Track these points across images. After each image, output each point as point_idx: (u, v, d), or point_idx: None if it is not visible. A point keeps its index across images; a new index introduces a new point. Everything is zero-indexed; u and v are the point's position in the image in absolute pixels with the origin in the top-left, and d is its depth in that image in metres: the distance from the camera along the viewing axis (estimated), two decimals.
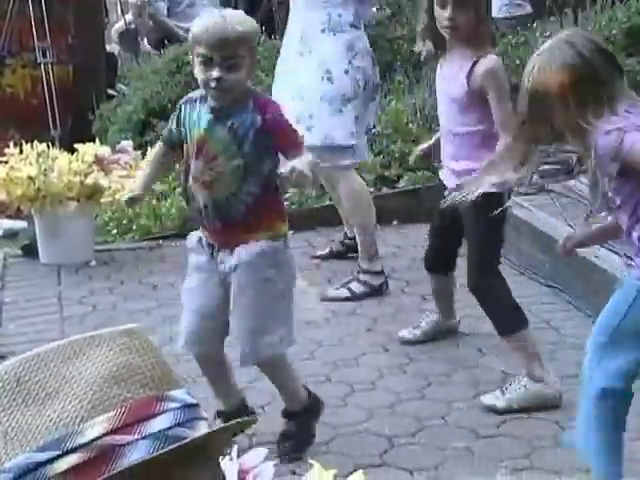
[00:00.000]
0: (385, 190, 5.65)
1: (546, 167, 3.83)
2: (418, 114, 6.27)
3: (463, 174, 3.44)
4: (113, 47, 9.06)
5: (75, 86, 6.96)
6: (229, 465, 1.90)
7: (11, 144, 5.19)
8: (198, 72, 2.97)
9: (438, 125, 6.06)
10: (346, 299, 4.43)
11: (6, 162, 5.08)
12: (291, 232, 5.52)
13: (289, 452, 3.11)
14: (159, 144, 3.31)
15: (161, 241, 5.42)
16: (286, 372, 3.21)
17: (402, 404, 3.49)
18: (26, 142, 5.17)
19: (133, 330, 1.17)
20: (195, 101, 3.08)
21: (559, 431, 3.27)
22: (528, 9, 8.21)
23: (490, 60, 3.43)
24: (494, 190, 3.23)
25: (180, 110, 3.12)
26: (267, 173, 3.02)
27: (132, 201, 3.26)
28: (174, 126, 3.13)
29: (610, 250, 4.41)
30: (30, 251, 5.23)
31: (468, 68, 3.39)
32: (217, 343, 3.22)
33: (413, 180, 5.70)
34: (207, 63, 2.93)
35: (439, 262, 3.88)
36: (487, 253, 3.57)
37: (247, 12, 10.80)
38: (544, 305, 4.24)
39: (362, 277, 4.48)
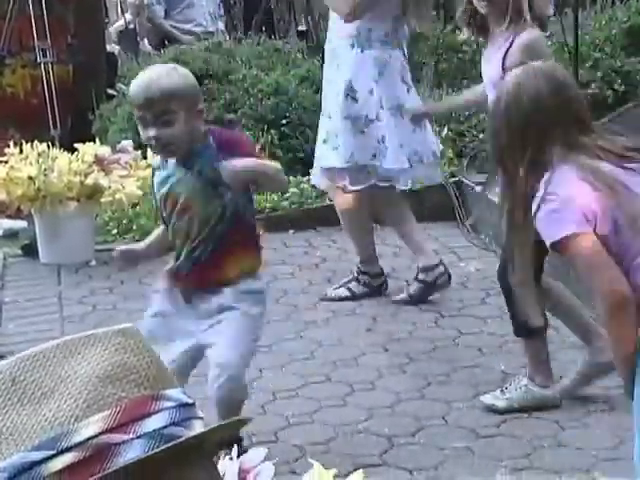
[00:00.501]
0: None
1: None
2: None
3: None
4: (113, 47, 9.06)
5: (75, 86, 6.95)
6: (229, 465, 1.91)
7: (11, 144, 5.20)
8: (140, 132, 2.99)
9: (439, 125, 6.11)
10: (345, 299, 4.44)
11: (6, 162, 5.08)
12: (291, 232, 5.57)
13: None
14: (161, 226, 3.21)
15: None
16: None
17: (402, 404, 3.49)
18: (26, 142, 5.17)
19: (128, 329, 1.17)
20: (159, 166, 3.08)
21: (559, 431, 3.27)
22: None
23: (529, 33, 3.25)
24: None
25: (152, 180, 3.13)
26: (242, 209, 3.01)
27: (125, 256, 3.18)
28: (154, 203, 3.19)
29: None
30: (30, 251, 5.23)
31: (507, 46, 3.24)
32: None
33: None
34: (143, 123, 2.93)
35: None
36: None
37: (246, 12, 10.72)
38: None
39: (361, 278, 4.48)
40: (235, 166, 2.92)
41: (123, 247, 3.26)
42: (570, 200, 2.21)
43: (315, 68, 6.81)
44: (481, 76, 3.62)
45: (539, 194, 2.24)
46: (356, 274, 4.49)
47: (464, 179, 5.72)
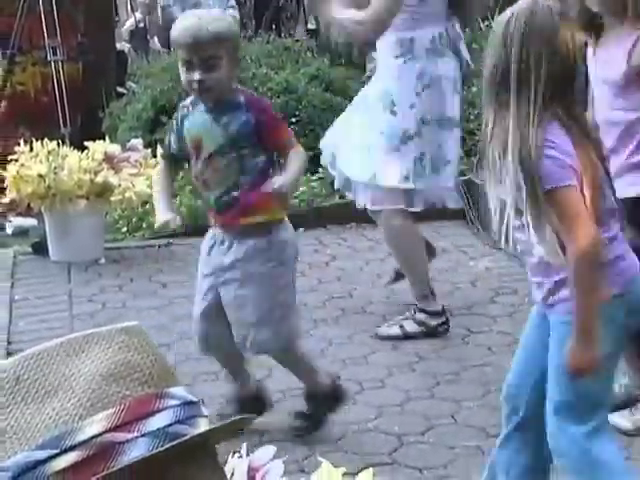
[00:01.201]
0: None
1: None
2: None
3: (624, 172, 3.02)
4: (123, 45, 9.08)
5: (85, 84, 6.96)
6: (238, 463, 1.91)
7: (21, 142, 5.21)
8: (182, 75, 3.07)
9: None
10: (396, 338, 4.03)
11: (16, 160, 5.09)
12: (301, 229, 5.56)
13: (295, 430, 3.24)
14: (160, 161, 3.37)
15: (171, 239, 5.42)
16: (295, 361, 3.28)
17: (411, 403, 3.49)
18: (36, 140, 5.18)
19: (132, 328, 1.17)
20: (188, 106, 3.18)
21: None
22: None
23: None
24: None
25: (176, 120, 3.21)
26: (262, 166, 3.12)
27: (166, 225, 3.31)
28: (173, 138, 3.22)
29: None
30: (40, 249, 5.24)
31: (631, 44, 2.95)
32: (225, 342, 3.26)
33: None
34: (188, 66, 3.03)
35: None
36: None
37: (256, 11, 10.75)
38: None
39: (418, 316, 4.07)
40: (282, 186, 3.00)
41: (162, 220, 3.29)
42: (568, 153, 2.32)
43: (325, 67, 6.81)
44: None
45: (540, 139, 2.30)
46: (412, 312, 4.09)
47: (474, 178, 5.71)
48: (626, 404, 3.28)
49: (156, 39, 10.36)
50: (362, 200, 4.12)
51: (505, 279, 4.64)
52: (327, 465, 1.92)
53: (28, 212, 5.34)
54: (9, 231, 5.71)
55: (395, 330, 4.06)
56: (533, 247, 2.42)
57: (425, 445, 3.20)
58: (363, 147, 4.02)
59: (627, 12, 2.94)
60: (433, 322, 4.04)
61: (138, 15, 10.00)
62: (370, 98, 4.06)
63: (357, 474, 1.93)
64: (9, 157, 5.19)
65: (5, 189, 5.16)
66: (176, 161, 3.28)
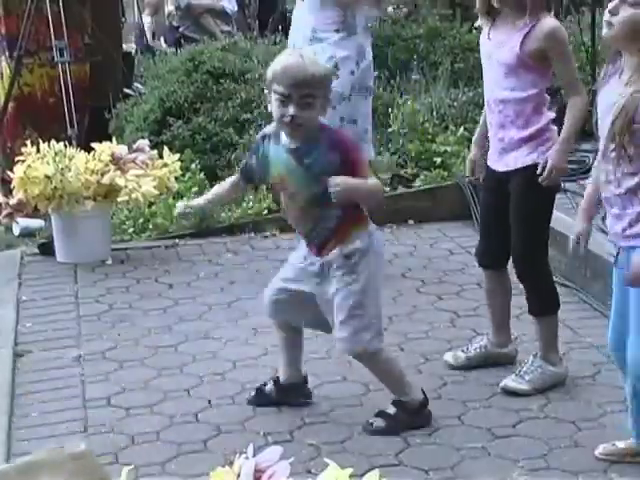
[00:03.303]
0: (401, 189, 5.65)
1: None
2: (434, 113, 6.26)
3: (513, 146, 3.48)
4: (129, 46, 9.09)
5: (92, 85, 6.97)
6: (245, 464, 1.91)
7: (28, 143, 5.21)
8: (274, 108, 3.18)
9: (455, 125, 6.09)
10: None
11: (23, 161, 5.10)
12: None
13: (370, 426, 3.29)
14: (237, 175, 3.44)
15: (177, 240, 5.43)
16: (380, 366, 3.34)
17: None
18: (43, 141, 5.19)
19: (80, 454, 1.16)
20: (271, 138, 3.28)
21: (575, 431, 3.26)
22: None
23: (552, 21, 3.42)
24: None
25: (260, 145, 3.31)
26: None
27: (187, 214, 3.49)
28: (254, 161, 3.33)
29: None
30: (47, 250, 5.25)
31: (526, 31, 3.37)
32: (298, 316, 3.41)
33: (429, 179, 5.70)
34: (284, 101, 3.14)
35: (493, 257, 3.71)
36: (534, 230, 3.52)
37: (261, 12, 10.71)
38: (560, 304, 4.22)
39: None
40: (346, 185, 3.12)
41: (183, 206, 3.48)
42: None
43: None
44: None
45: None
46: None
47: (480, 178, 5.70)
48: (485, 364, 3.68)
49: (162, 39, 10.39)
50: None
51: (511, 280, 4.62)
52: (334, 466, 1.92)
53: (35, 213, 5.35)
54: (16, 232, 5.72)
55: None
56: (622, 178, 2.73)
57: (432, 446, 3.20)
58: None
59: (526, 10, 3.37)
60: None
61: (145, 17, 10.08)
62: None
63: (364, 475, 1.94)
64: (16, 158, 5.20)
65: (12, 190, 5.17)
66: (249, 182, 3.44)
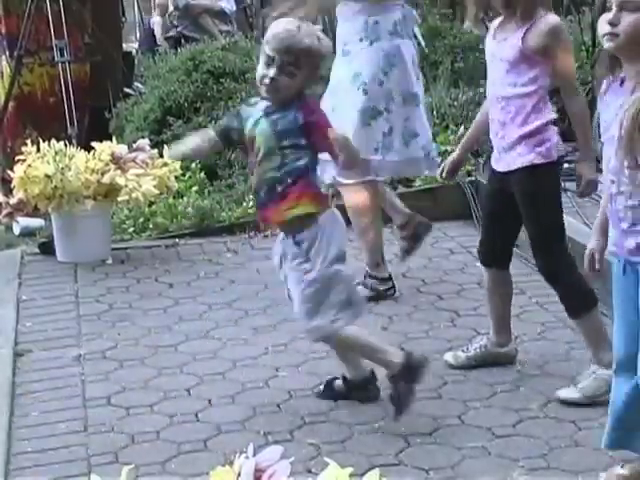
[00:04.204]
0: (401, 189, 5.65)
1: (563, 166, 3.82)
2: (435, 112, 6.26)
3: (512, 144, 3.46)
4: (130, 46, 9.10)
5: (92, 85, 6.98)
6: (245, 463, 1.91)
7: (29, 142, 5.21)
8: (259, 69, 3.24)
9: (456, 125, 6.09)
10: None
11: (24, 160, 5.10)
12: None
13: (392, 414, 3.31)
14: (213, 134, 3.42)
15: (177, 239, 5.43)
16: (354, 347, 3.40)
17: (418, 403, 3.47)
18: (43, 140, 5.19)
19: None
20: (252, 105, 3.34)
21: (576, 431, 3.26)
22: None
23: (554, 18, 3.43)
24: (540, 161, 3.40)
25: (242, 107, 3.38)
26: (303, 168, 3.24)
27: (177, 154, 3.56)
28: (235, 123, 3.34)
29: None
30: (47, 249, 5.25)
31: (527, 27, 3.38)
32: None
33: (429, 179, 5.70)
34: (269, 63, 3.19)
35: (495, 255, 3.70)
36: (550, 230, 3.49)
37: (263, 10, 10.65)
38: (560, 304, 4.22)
39: (368, 281, 4.44)
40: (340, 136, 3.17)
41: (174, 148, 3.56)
42: None
43: (331, 66, 6.81)
44: None
45: None
46: (364, 278, 4.43)
47: (480, 178, 5.71)
48: (485, 364, 3.69)
49: (163, 40, 10.40)
50: (330, 175, 4.25)
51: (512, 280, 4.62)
52: (334, 465, 1.92)
53: (35, 212, 5.35)
54: (16, 231, 5.72)
55: None
56: (635, 189, 2.63)
57: (432, 446, 3.20)
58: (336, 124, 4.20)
59: (516, 12, 3.39)
60: (381, 287, 4.43)
61: (156, 17, 10.19)
62: (344, 81, 4.32)
63: (364, 475, 1.93)
64: (16, 157, 5.20)
65: (12, 189, 5.17)
66: (228, 142, 3.43)
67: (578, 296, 3.51)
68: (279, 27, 3.23)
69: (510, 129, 3.46)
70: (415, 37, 4.41)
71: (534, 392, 3.54)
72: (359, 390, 3.47)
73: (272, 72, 3.17)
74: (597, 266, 2.89)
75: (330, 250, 3.26)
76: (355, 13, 4.28)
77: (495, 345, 3.75)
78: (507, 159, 3.50)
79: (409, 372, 3.29)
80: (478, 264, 4.85)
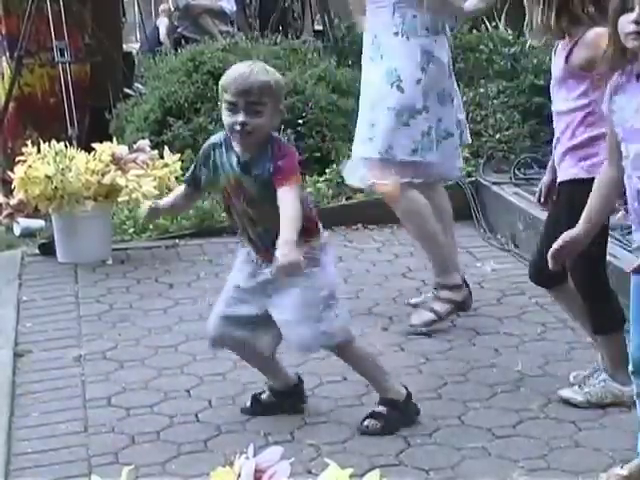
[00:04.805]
0: None
1: None
2: None
3: (560, 158, 3.39)
4: (130, 46, 9.11)
5: (92, 85, 6.98)
6: (245, 464, 1.91)
7: (29, 143, 5.22)
8: (225, 117, 3.22)
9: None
10: (433, 322, 4.09)
11: (24, 161, 5.10)
12: None
13: (366, 429, 3.29)
14: (183, 186, 3.44)
15: (177, 240, 5.43)
16: (358, 361, 3.39)
17: (418, 403, 3.48)
18: (44, 141, 5.19)
19: None
20: (221, 146, 3.29)
21: (576, 431, 3.26)
22: None
23: (594, 30, 3.29)
24: (585, 176, 3.27)
25: (210, 154, 3.31)
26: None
27: (151, 213, 3.49)
28: (203, 169, 3.33)
29: (628, 250, 4.40)
30: (47, 250, 5.26)
31: (572, 44, 3.33)
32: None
33: None
34: (232, 109, 3.18)
35: (548, 274, 3.25)
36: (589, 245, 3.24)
37: (262, 12, 10.73)
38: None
39: (442, 293, 4.15)
40: (283, 265, 3.07)
41: (149, 205, 3.53)
42: None
43: (331, 68, 6.82)
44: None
45: None
46: (435, 292, 4.16)
47: (481, 179, 5.71)
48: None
49: (167, 41, 10.43)
50: (366, 178, 4.17)
51: (512, 280, 4.63)
52: (334, 466, 1.92)
53: (36, 213, 5.35)
54: (17, 232, 5.72)
55: (428, 315, 4.11)
56: None
57: (432, 446, 3.20)
58: (367, 126, 4.10)
59: (579, 24, 3.32)
60: (458, 298, 4.14)
61: (163, 19, 10.26)
62: (375, 80, 4.11)
63: (364, 475, 1.94)
64: (17, 158, 5.20)
65: (13, 190, 5.17)
66: (198, 190, 3.41)
67: (606, 314, 3.42)
68: (233, 72, 3.22)
69: (561, 143, 3.40)
70: (446, 33, 4.20)
71: (534, 393, 3.54)
72: (287, 398, 3.45)
73: (240, 117, 3.14)
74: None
75: (323, 279, 3.27)
76: (392, 3, 4.04)
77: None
78: (560, 172, 3.41)
79: (407, 409, 3.32)
80: (478, 264, 4.87)
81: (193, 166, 3.38)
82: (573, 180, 3.33)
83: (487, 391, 3.57)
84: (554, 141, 3.47)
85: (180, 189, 3.46)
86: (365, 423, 3.29)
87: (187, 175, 3.43)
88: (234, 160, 3.25)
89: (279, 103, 3.23)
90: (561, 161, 3.41)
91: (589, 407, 3.38)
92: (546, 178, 3.55)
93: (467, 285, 4.21)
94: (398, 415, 3.29)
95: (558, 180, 3.43)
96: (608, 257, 4.22)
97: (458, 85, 4.44)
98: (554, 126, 3.46)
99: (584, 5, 3.29)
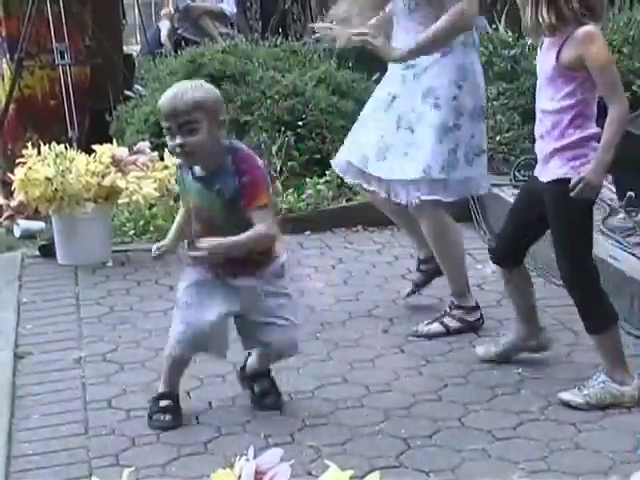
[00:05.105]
0: None
1: None
2: None
3: (548, 158, 3.41)
4: (130, 49, 9.11)
5: (93, 87, 6.98)
6: (245, 466, 1.91)
7: (29, 145, 5.22)
8: (168, 143, 3.24)
9: None
10: (440, 335, 4.10)
11: (24, 163, 5.10)
12: (307, 233, 5.57)
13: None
14: (181, 209, 3.48)
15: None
16: None
17: (418, 406, 3.49)
18: (44, 143, 5.19)
19: None
20: (182, 168, 3.34)
21: (576, 433, 3.26)
22: None
23: (588, 27, 3.31)
24: (575, 176, 3.32)
25: (180, 175, 3.37)
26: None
27: (161, 255, 3.52)
28: (182, 193, 3.40)
29: (629, 253, 4.40)
30: (48, 252, 5.26)
31: (562, 41, 3.33)
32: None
33: None
34: (170, 133, 3.21)
35: (507, 254, 3.64)
36: (574, 246, 3.41)
37: (263, 14, 10.73)
38: (560, 307, 4.22)
39: (455, 312, 4.16)
40: (204, 248, 3.14)
41: (158, 247, 3.51)
42: None
43: (331, 70, 6.82)
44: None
45: None
46: (449, 309, 4.18)
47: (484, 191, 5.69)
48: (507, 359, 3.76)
49: (168, 43, 10.43)
50: (405, 197, 4.11)
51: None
52: (334, 468, 1.92)
53: (36, 215, 5.36)
54: (17, 234, 5.72)
55: (437, 328, 4.12)
56: None
57: (432, 448, 3.20)
58: (403, 146, 4.05)
59: (568, 22, 3.33)
60: (470, 317, 4.15)
61: (166, 22, 10.28)
62: (410, 99, 4.04)
63: (364, 477, 1.93)
64: (17, 160, 5.20)
65: (13, 192, 5.18)
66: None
67: (598, 312, 3.42)
68: (163, 96, 3.24)
69: (546, 143, 3.41)
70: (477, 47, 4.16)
71: (534, 395, 3.54)
72: (252, 381, 3.53)
73: (177, 139, 3.16)
74: None
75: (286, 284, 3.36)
76: (424, 17, 3.96)
77: (524, 339, 3.76)
78: (544, 171, 3.43)
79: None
80: (479, 266, 4.87)
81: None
82: (561, 180, 3.35)
83: (487, 393, 3.57)
84: (536, 137, 3.46)
85: (180, 213, 3.47)
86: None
87: (182, 199, 3.46)
88: (191, 179, 3.27)
89: (217, 115, 3.19)
90: (547, 161, 3.41)
91: (589, 409, 3.39)
92: None
93: (479, 307, 4.21)
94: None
95: (545, 179, 3.42)
96: (608, 259, 4.24)
97: None
98: (536, 124, 3.45)
99: (569, 2, 3.29)
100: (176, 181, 3.44)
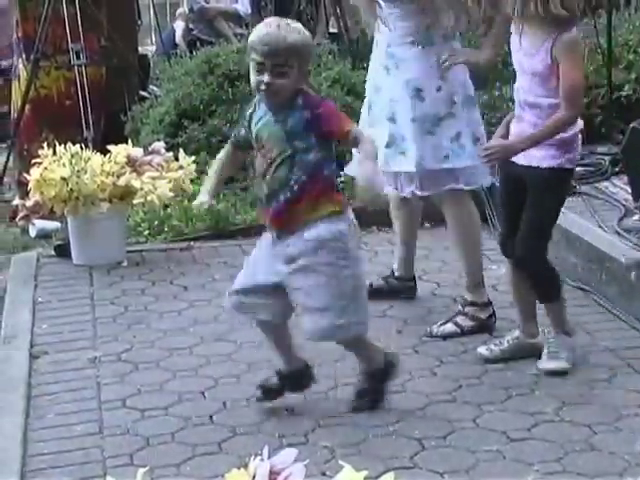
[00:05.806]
0: None
1: (578, 169, 3.84)
2: None
3: (541, 146, 3.56)
4: (145, 49, 9.13)
5: (108, 88, 6.99)
6: (260, 466, 1.91)
7: (45, 145, 5.24)
8: (252, 77, 3.30)
9: None
10: (454, 335, 4.08)
11: (40, 163, 5.12)
12: None
13: (364, 407, 3.44)
14: (227, 146, 3.53)
15: (192, 242, 5.44)
16: (360, 346, 3.49)
17: (432, 406, 3.48)
18: (60, 143, 5.21)
19: None
20: (256, 104, 3.39)
21: (591, 434, 3.25)
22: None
23: (575, 35, 3.53)
24: (568, 166, 3.56)
25: (248, 114, 3.41)
26: (314, 162, 3.28)
27: (199, 206, 3.53)
28: (242, 129, 3.43)
29: None
30: (63, 252, 5.27)
31: (551, 43, 3.46)
32: (277, 314, 3.44)
33: None
34: (259, 69, 3.25)
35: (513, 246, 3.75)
36: (543, 227, 3.65)
37: (277, 14, 10.81)
38: (576, 308, 4.22)
39: (468, 309, 4.15)
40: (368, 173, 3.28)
41: (202, 198, 3.49)
42: None
43: (346, 70, 6.81)
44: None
45: None
46: (461, 307, 4.17)
47: (494, 181, 5.69)
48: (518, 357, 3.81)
49: (183, 43, 10.45)
50: (408, 189, 4.16)
51: None
52: (349, 468, 1.92)
53: (51, 215, 5.37)
54: (32, 234, 5.74)
55: (451, 328, 4.11)
56: None
57: (447, 449, 3.20)
58: (399, 140, 4.08)
59: (555, 22, 3.46)
60: (483, 315, 4.14)
61: (180, 23, 10.31)
62: (394, 92, 4.08)
63: (379, 477, 1.93)
64: (32, 160, 5.22)
65: (29, 192, 5.19)
66: (242, 149, 3.48)
67: (548, 284, 3.72)
68: (261, 31, 3.27)
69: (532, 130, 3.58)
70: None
71: (549, 396, 3.53)
72: (294, 381, 3.51)
73: (266, 77, 3.22)
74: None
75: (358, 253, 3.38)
76: (408, 13, 4.01)
77: (527, 336, 3.81)
78: (531, 155, 3.55)
79: (386, 373, 3.48)
80: (493, 267, 4.86)
81: (238, 128, 3.47)
82: (556, 169, 3.55)
83: (502, 394, 3.56)
84: (525, 124, 3.57)
85: (225, 152, 3.50)
86: (355, 404, 3.44)
87: (233, 138, 3.49)
88: (264, 109, 3.32)
89: (306, 64, 3.29)
90: (540, 148, 3.54)
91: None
92: (500, 132, 3.69)
93: (491, 303, 4.21)
94: (377, 384, 3.46)
95: (532, 163, 3.56)
96: (623, 259, 4.24)
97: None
98: (524, 112, 3.58)
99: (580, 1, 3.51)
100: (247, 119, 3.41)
